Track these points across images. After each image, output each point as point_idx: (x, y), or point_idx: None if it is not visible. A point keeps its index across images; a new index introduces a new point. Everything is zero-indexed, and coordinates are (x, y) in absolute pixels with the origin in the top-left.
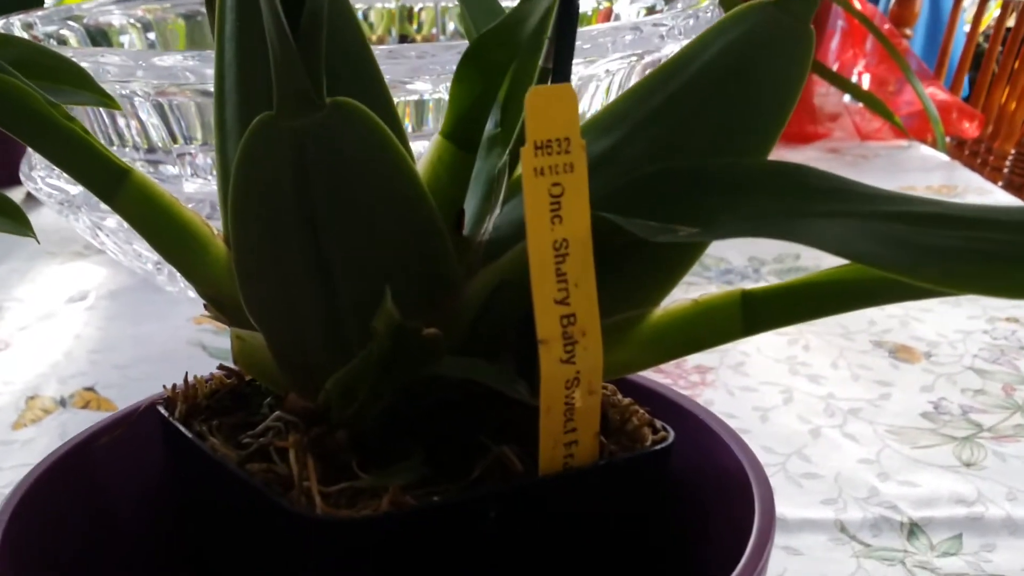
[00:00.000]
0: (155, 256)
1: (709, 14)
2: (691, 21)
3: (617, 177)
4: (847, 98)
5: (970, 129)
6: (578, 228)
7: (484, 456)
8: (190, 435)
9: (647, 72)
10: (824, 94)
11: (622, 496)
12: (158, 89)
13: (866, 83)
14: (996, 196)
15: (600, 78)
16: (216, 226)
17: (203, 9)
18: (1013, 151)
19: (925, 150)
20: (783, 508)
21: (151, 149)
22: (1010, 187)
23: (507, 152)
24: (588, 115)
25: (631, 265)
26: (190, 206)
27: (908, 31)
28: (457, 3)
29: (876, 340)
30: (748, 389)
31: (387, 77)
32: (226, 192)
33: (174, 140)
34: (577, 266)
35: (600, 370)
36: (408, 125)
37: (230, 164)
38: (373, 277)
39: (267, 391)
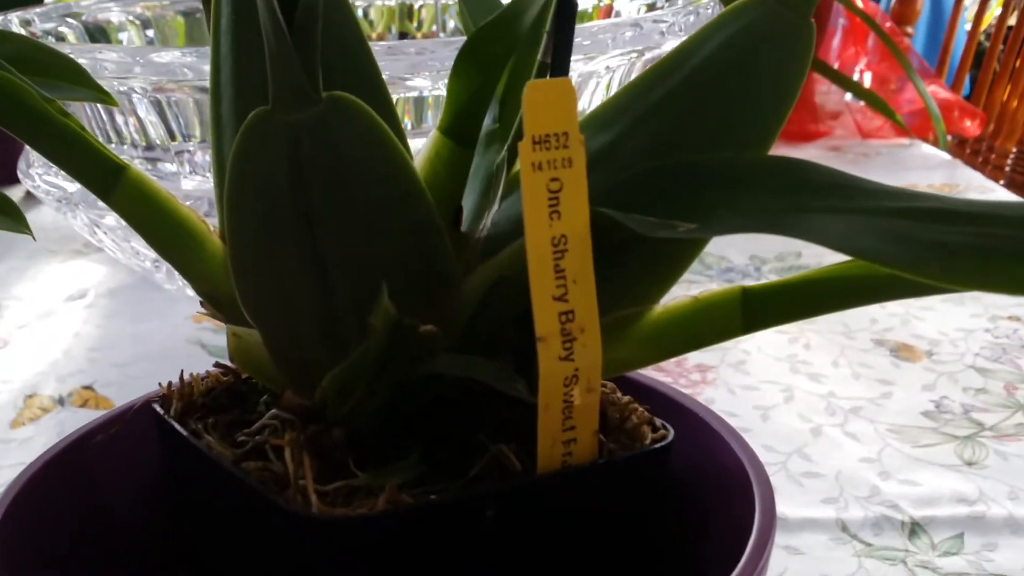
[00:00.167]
0: (153, 254)
1: (709, 10)
2: (691, 18)
3: (616, 172)
4: (848, 96)
5: (971, 128)
6: (577, 224)
7: (482, 454)
8: (185, 433)
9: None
10: (825, 92)
11: (621, 495)
12: (156, 86)
13: (867, 81)
14: (998, 194)
15: (600, 75)
16: (213, 223)
17: (202, 6)
18: (1015, 149)
19: (927, 148)
20: (784, 507)
21: (149, 146)
22: (1012, 185)
23: (505, 148)
24: (588, 112)
25: (630, 261)
26: (188, 203)
27: (909, 29)
28: (457, 0)
29: (877, 338)
30: (749, 387)
31: (386, 73)
32: (222, 187)
33: (172, 137)
34: (576, 262)
35: (599, 367)
36: (407, 123)
37: (226, 159)
38: (370, 273)
39: (263, 388)
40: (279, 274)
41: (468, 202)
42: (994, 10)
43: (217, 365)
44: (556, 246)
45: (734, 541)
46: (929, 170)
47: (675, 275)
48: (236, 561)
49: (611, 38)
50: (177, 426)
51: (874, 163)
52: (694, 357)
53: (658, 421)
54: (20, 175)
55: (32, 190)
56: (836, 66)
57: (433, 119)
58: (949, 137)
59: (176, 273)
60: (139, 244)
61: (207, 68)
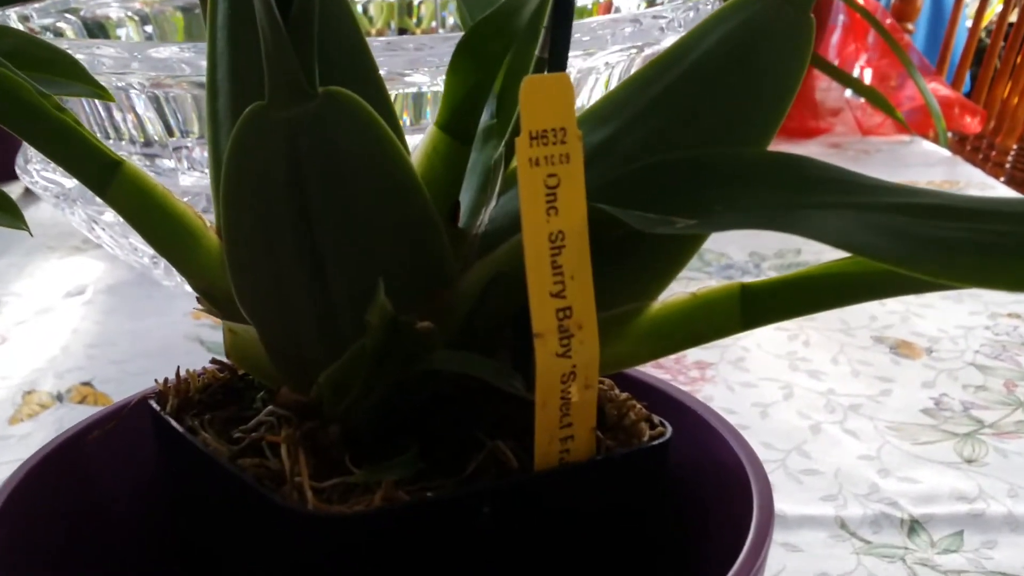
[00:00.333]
0: (151, 250)
1: (709, 6)
2: (691, 14)
3: (614, 168)
4: (849, 93)
5: (972, 125)
6: (574, 220)
7: (479, 451)
8: (181, 429)
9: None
10: (825, 89)
11: (619, 492)
12: (154, 81)
13: (868, 78)
14: (998, 191)
15: (599, 71)
16: (211, 219)
17: (199, 1)
18: (1015, 146)
19: (927, 145)
20: (783, 504)
21: (147, 143)
22: (1012, 182)
23: (503, 143)
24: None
25: (628, 257)
26: (186, 200)
27: (910, 26)
28: None
29: (877, 336)
30: (748, 385)
31: (385, 69)
32: (218, 183)
33: (170, 134)
34: (573, 258)
35: (596, 364)
36: (406, 119)
37: (222, 155)
38: (366, 269)
39: (260, 385)
40: (275, 270)
41: (465, 198)
42: (995, 7)
43: (213, 361)
44: (553, 242)
45: (732, 538)
46: (929, 167)
47: (673, 271)
48: (232, 558)
49: (610, 34)
50: (173, 422)
51: (874, 160)
52: (693, 354)
53: (656, 418)
54: (18, 171)
55: (30, 186)
56: (836, 63)
57: (432, 115)
58: (949, 134)
59: (173, 270)
60: (137, 240)
61: (205, 64)
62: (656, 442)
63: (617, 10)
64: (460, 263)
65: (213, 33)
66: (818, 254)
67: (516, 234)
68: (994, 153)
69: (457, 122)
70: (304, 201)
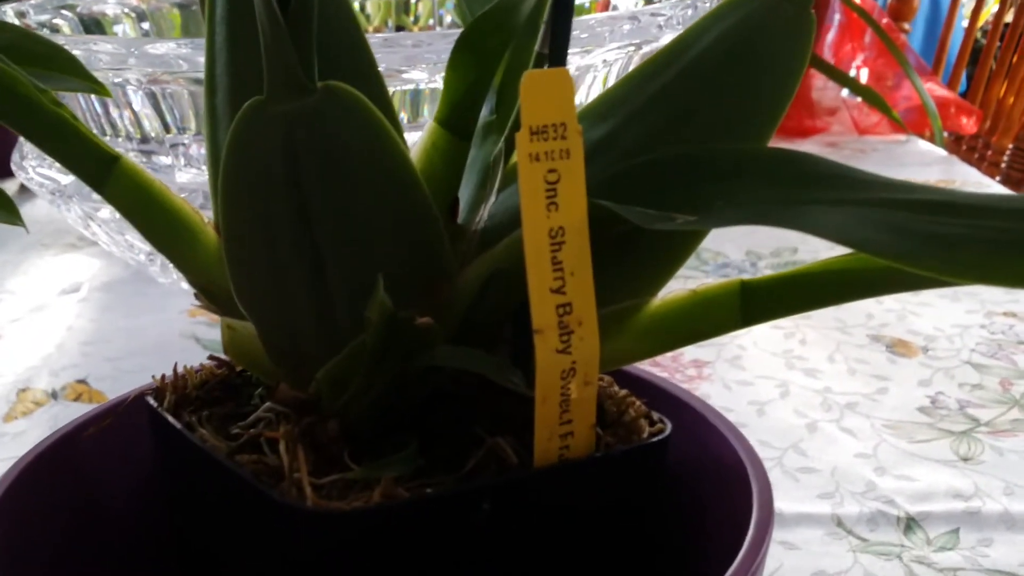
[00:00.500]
0: (147, 247)
1: (707, 3)
2: (689, 11)
3: (614, 164)
4: (845, 92)
5: (968, 125)
6: (574, 216)
7: (478, 447)
8: (179, 426)
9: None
10: (822, 88)
11: (618, 488)
12: (151, 77)
13: (864, 77)
14: (994, 191)
15: (597, 68)
16: (208, 215)
17: None
18: (1011, 146)
19: (923, 144)
20: (779, 502)
21: (144, 139)
22: (1008, 182)
23: (502, 139)
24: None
25: (628, 254)
26: (182, 196)
27: (906, 26)
28: None
29: (873, 334)
30: (744, 383)
31: (382, 66)
32: (216, 179)
33: (167, 130)
34: (573, 254)
35: (596, 360)
36: (403, 116)
37: (220, 150)
38: (365, 265)
39: (258, 381)
40: (274, 266)
41: (464, 194)
42: (991, 7)
43: (211, 358)
44: (553, 238)
45: (732, 535)
46: (925, 166)
47: (673, 268)
48: (230, 555)
49: (608, 31)
50: (171, 419)
51: (870, 159)
52: (690, 352)
53: (655, 415)
54: (14, 168)
55: (26, 183)
56: (833, 62)
57: (429, 112)
58: (945, 134)
59: (171, 267)
60: (133, 237)
61: (203, 60)
62: (656, 439)
63: (615, 8)
64: (459, 259)
65: (211, 29)
66: (815, 252)
67: (515, 230)
68: (990, 153)
69: (456, 118)
70: (303, 196)
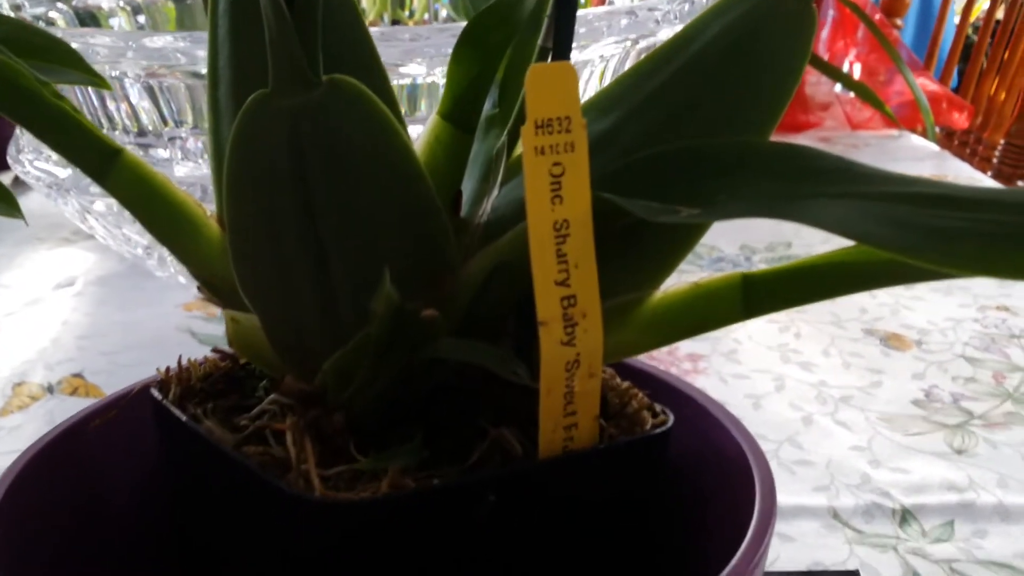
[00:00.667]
0: (145, 241)
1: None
2: (686, 6)
3: (617, 158)
4: (838, 87)
5: (960, 120)
6: (579, 208)
7: (483, 439)
8: (184, 418)
9: (642, 57)
10: (815, 83)
11: (622, 479)
12: (148, 71)
13: (857, 72)
14: (986, 185)
15: (595, 63)
16: (209, 208)
17: None
18: (1002, 141)
19: (915, 139)
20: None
21: (141, 132)
22: (999, 176)
23: (505, 133)
24: (583, 100)
25: (632, 247)
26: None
27: (899, 21)
28: None
29: (867, 328)
30: (740, 376)
31: None
32: (220, 172)
33: (164, 123)
34: (577, 247)
35: (600, 352)
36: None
37: (224, 144)
38: (370, 258)
39: (262, 374)
40: (279, 259)
41: (468, 187)
42: (982, 4)
43: (215, 350)
44: (558, 231)
45: (734, 526)
46: (918, 161)
47: (676, 261)
48: (236, 547)
49: (606, 26)
50: (176, 411)
51: (863, 154)
52: (685, 346)
53: (658, 407)
54: (10, 161)
55: (22, 176)
56: (826, 57)
57: (427, 106)
58: (937, 129)
59: (167, 261)
60: (131, 231)
61: (200, 53)
62: (658, 430)
63: (611, 2)
64: (463, 252)
65: (214, 21)
66: (808, 247)
67: (519, 223)
68: (981, 148)
69: (460, 111)
70: (307, 189)
